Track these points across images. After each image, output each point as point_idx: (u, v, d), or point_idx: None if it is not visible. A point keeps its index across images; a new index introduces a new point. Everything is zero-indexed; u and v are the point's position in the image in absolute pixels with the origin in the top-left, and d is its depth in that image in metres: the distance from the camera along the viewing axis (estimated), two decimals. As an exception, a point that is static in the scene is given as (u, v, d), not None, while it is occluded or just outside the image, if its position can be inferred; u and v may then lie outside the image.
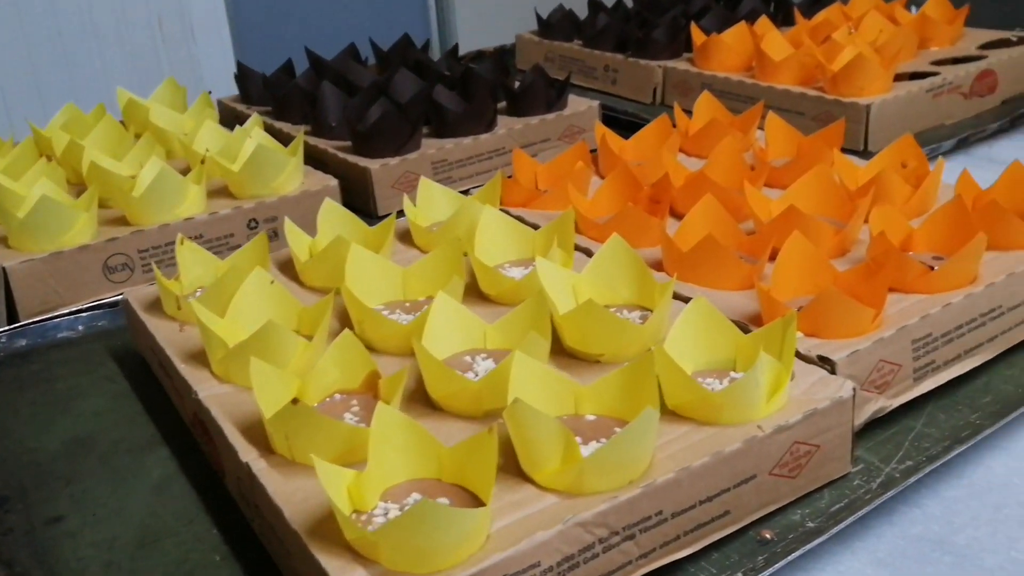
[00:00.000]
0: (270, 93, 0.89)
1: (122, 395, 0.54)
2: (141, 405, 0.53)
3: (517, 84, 0.85)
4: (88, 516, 0.44)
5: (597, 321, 0.46)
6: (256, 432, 0.42)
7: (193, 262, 0.55)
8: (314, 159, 0.77)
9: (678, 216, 0.60)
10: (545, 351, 0.45)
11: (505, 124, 0.81)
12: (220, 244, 0.68)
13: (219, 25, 1.64)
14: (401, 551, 0.33)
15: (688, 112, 0.74)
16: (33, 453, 0.50)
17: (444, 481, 0.38)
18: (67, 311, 0.62)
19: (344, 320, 0.51)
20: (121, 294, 0.59)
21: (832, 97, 0.80)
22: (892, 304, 0.48)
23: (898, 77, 0.83)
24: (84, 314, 0.63)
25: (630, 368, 0.40)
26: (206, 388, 0.46)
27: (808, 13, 1.00)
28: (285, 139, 0.79)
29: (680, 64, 0.94)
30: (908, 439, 0.46)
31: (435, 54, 1.13)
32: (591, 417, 0.41)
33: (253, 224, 0.69)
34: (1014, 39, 0.93)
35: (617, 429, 0.40)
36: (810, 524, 0.40)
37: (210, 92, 0.89)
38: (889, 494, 0.41)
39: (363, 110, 0.78)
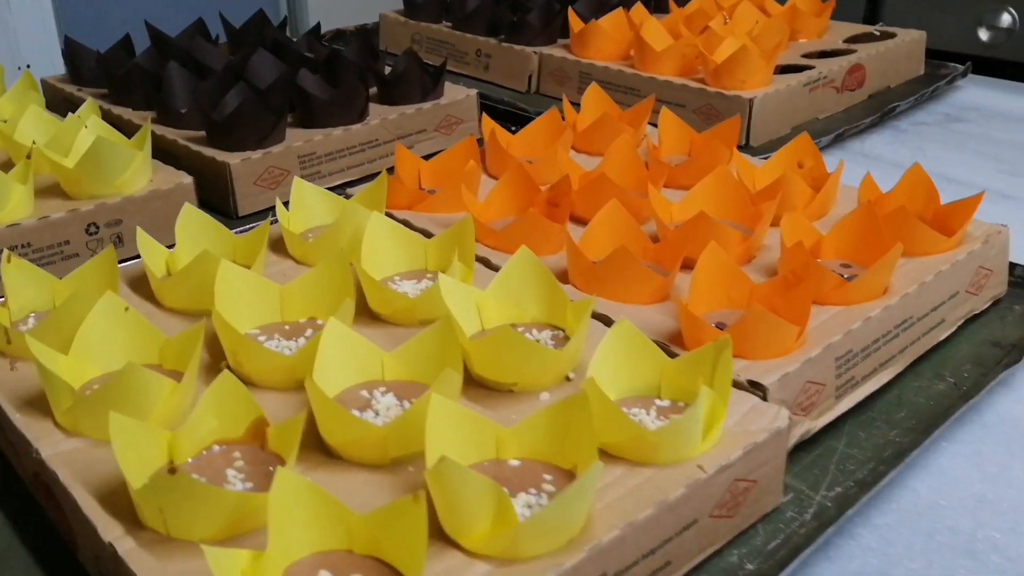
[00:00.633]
0: (105, 73, 0.78)
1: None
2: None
3: (388, 69, 0.78)
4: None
5: (512, 348, 0.41)
6: (119, 500, 0.35)
7: (23, 282, 0.47)
8: (161, 151, 0.68)
9: (577, 221, 0.56)
10: (458, 387, 0.40)
11: (377, 113, 0.74)
12: (53, 254, 0.58)
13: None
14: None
15: (575, 105, 0.71)
16: None
17: (356, 553, 0.33)
18: None
19: (211, 348, 0.44)
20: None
21: (715, 90, 0.78)
22: (811, 317, 0.46)
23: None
24: None
25: (561, 406, 0.36)
26: (50, 444, 0.38)
27: (681, 1, 0.98)
28: (125, 128, 0.70)
29: (556, 51, 0.90)
30: (833, 462, 0.44)
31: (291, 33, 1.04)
32: (515, 462, 0.37)
33: (93, 229, 0.60)
34: (877, 33, 0.95)
35: (547, 476, 0.36)
36: (749, 567, 0.38)
37: (28, 67, 0.78)
38: (828, 532, 0.39)
39: (218, 96, 0.70)
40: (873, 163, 0.79)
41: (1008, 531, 0.41)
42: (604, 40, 0.87)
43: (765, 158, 0.63)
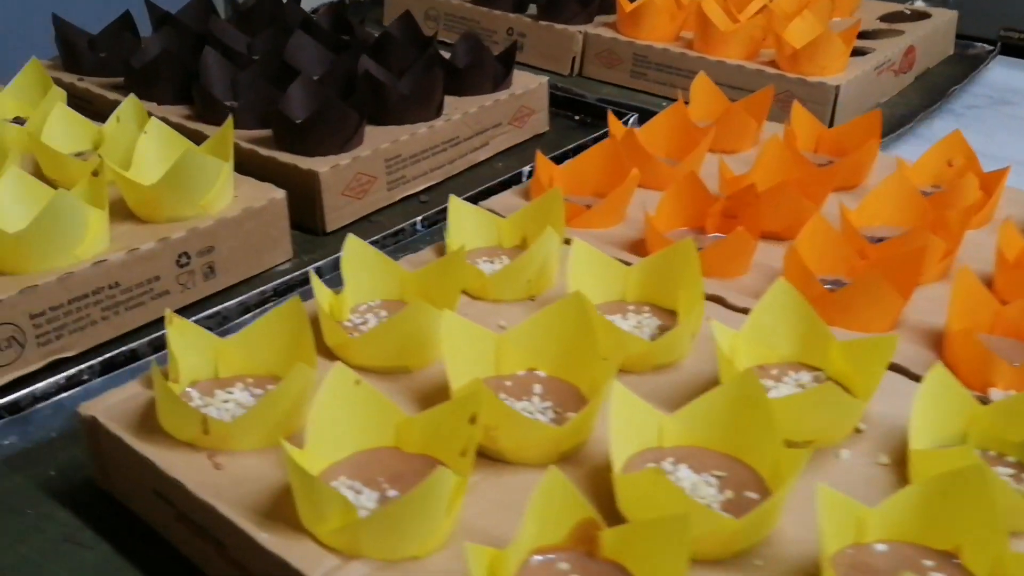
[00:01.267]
0: (120, 61, 0.66)
1: (104, 567, 0.35)
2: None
3: (448, 56, 0.70)
4: None
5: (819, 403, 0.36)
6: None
7: (186, 347, 0.37)
8: (220, 157, 0.58)
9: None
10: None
11: (453, 107, 0.66)
12: (143, 293, 0.48)
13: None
14: None
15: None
16: None
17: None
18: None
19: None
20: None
21: (795, 76, 0.74)
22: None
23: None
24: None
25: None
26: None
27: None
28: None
29: (602, 31, 0.83)
30: None
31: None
32: (881, 547, 0.32)
33: (184, 260, 0.49)
34: (907, 11, 0.93)
35: (927, 562, 0.31)
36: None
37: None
38: None
39: (268, 87, 0.60)
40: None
41: None
42: (659, 19, 0.81)
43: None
